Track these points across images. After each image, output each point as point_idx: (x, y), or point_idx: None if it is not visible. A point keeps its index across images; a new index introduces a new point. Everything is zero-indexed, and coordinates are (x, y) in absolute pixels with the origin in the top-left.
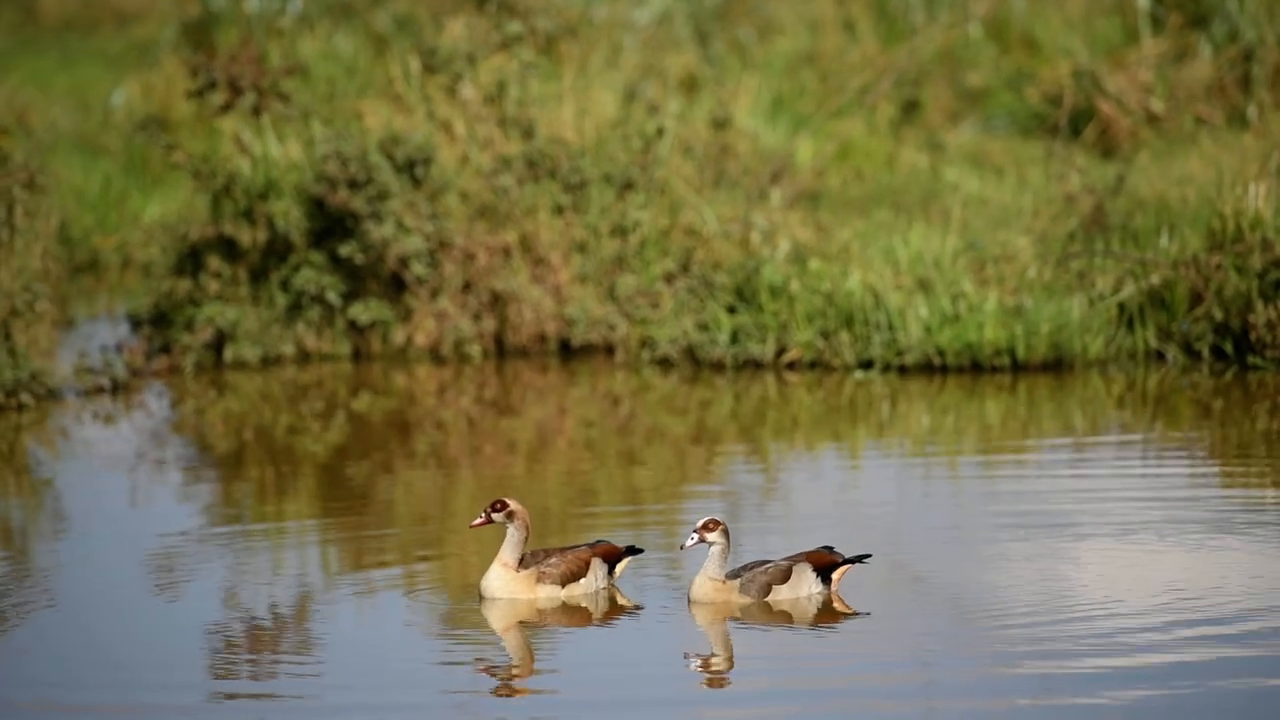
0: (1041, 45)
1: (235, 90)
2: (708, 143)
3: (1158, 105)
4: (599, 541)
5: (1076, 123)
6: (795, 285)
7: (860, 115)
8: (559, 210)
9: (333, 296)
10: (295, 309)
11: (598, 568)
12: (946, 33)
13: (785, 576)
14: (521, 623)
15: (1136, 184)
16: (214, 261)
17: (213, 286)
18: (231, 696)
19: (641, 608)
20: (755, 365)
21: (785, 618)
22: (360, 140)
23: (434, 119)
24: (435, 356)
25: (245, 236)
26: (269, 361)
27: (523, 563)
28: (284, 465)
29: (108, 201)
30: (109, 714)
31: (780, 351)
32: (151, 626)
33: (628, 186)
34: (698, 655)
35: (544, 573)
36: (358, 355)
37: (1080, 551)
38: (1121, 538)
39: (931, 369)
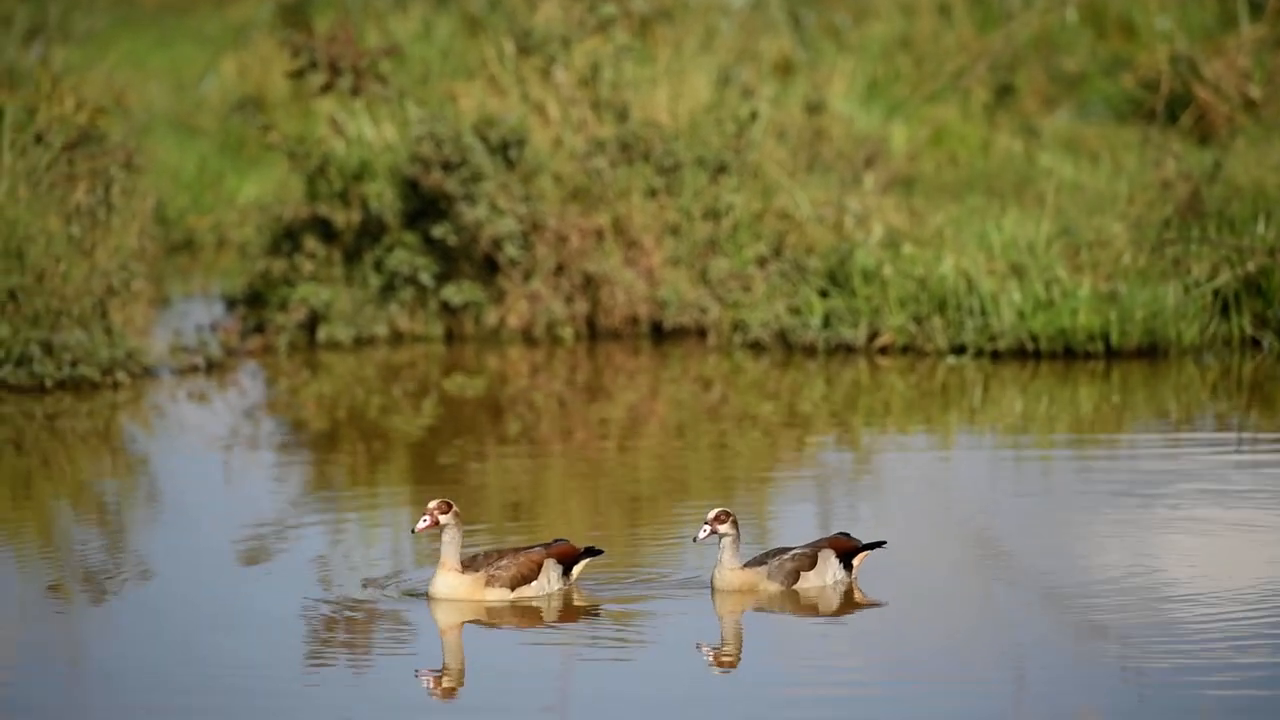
0: (1138, 30)
1: (335, 71)
2: (802, 127)
3: (1255, 91)
4: (557, 541)
5: (1173, 108)
6: (888, 270)
7: (955, 100)
8: (652, 193)
9: (426, 278)
10: (388, 290)
11: (550, 570)
12: (1042, 17)
13: (812, 563)
14: (467, 624)
15: (1233, 170)
16: (308, 242)
17: (307, 267)
18: (323, 675)
19: (598, 612)
20: (847, 349)
21: (854, 603)
22: (455, 122)
23: (528, 101)
24: (527, 338)
25: (340, 217)
26: (362, 342)
27: (475, 563)
28: (376, 446)
29: (203, 181)
30: (201, 693)
31: (872, 336)
32: (243, 606)
33: (721, 170)
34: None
35: (493, 575)
36: (450, 337)
37: (1173, 539)
38: (1215, 525)
39: (1024, 355)
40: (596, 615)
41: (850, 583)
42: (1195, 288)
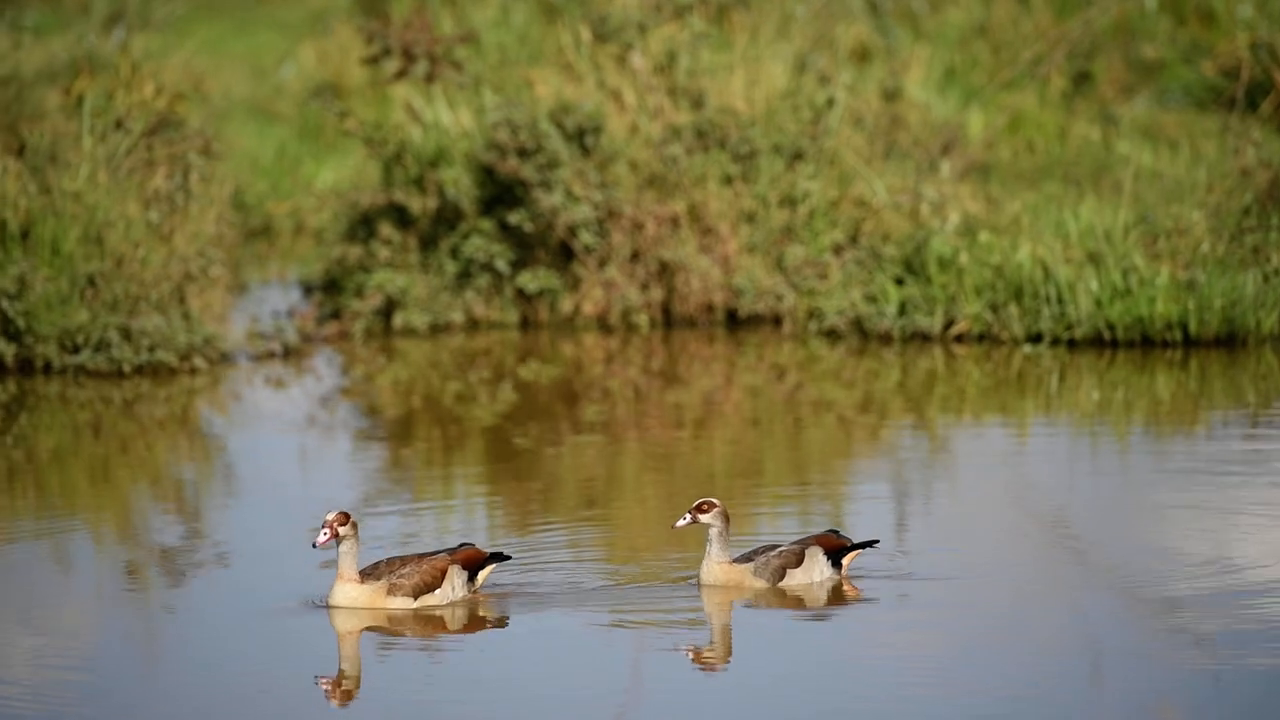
0: (1218, 17)
1: (409, 58)
2: (878, 114)
3: None
4: (463, 545)
5: (1253, 96)
6: (964, 258)
7: (1032, 87)
8: (728, 180)
9: (501, 264)
10: (464, 276)
11: (455, 576)
12: (1121, 4)
13: (799, 560)
14: (367, 630)
15: None
16: (385, 228)
17: (383, 253)
18: (394, 661)
19: (507, 621)
20: (923, 338)
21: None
22: (530, 108)
23: (604, 88)
24: (603, 325)
25: (416, 204)
26: (437, 329)
27: (377, 571)
28: (451, 432)
29: (281, 168)
30: (275, 678)
31: (948, 324)
32: (319, 590)
33: (797, 157)
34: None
35: (395, 584)
36: (525, 323)
37: (1252, 527)
38: None
39: (1101, 343)
40: (502, 624)
41: (840, 580)
42: (1274, 276)
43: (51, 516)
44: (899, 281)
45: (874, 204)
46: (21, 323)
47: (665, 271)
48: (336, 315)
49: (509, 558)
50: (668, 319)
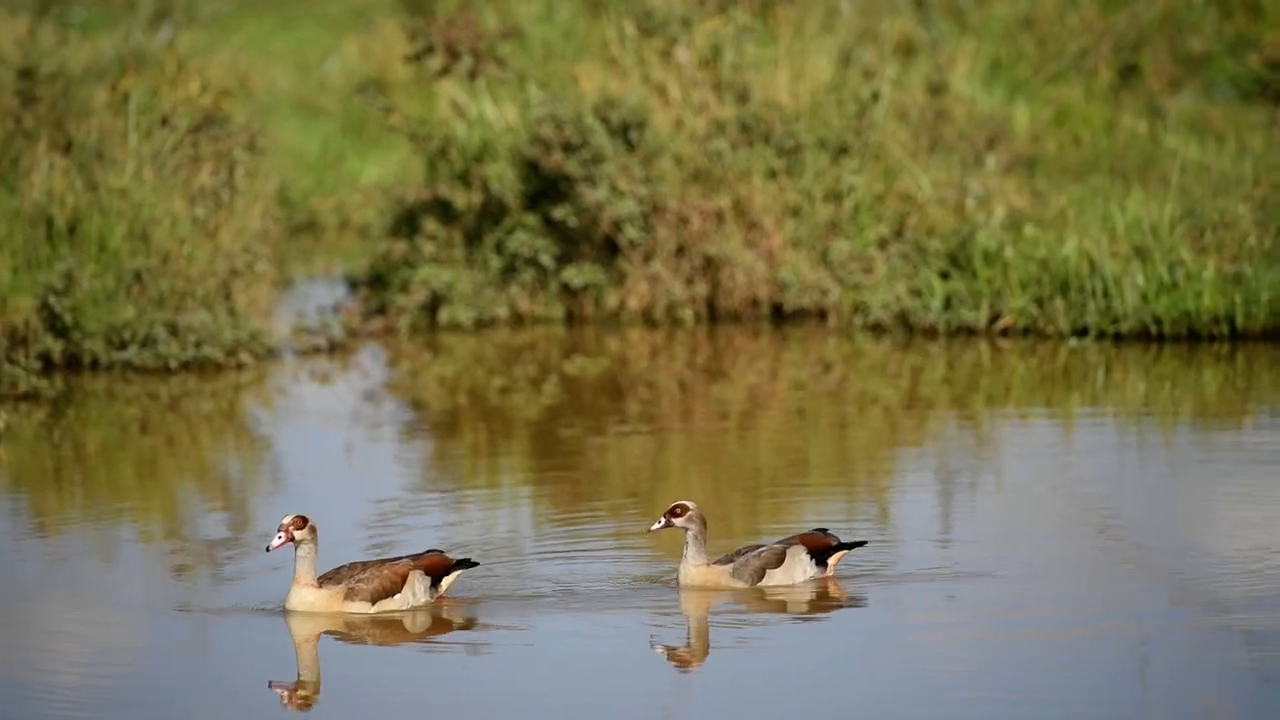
0: (1264, 10)
1: (452, 54)
2: (923, 107)
3: None
4: (429, 551)
5: None
6: (1010, 251)
7: (1078, 80)
8: (773, 175)
9: (546, 259)
10: (509, 271)
11: (417, 582)
12: None
13: (779, 560)
14: (325, 635)
15: None
16: (429, 223)
17: (428, 248)
18: (441, 652)
19: (473, 625)
20: (968, 332)
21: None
22: (575, 103)
23: (649, 82)
24: (648, 320)
25: (460, 199)
26: (483, 324)
27: (338, 575)
28: (496, 426)
29: (326, 163)
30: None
31: (994, 318)
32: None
33: (842, 151)
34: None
35: (354, 589)
36: (570, 318)
37: None
38: None
39: (1148, 337)
40: (467, 627)
41: (825, 579)
42: None
43: (99, 512)
44: (944, 275)
45: (919, 198)
46: (69, 319)
47: (710, 266)
48: (382, 310)
49: (476, 564)
50: (712, 313)
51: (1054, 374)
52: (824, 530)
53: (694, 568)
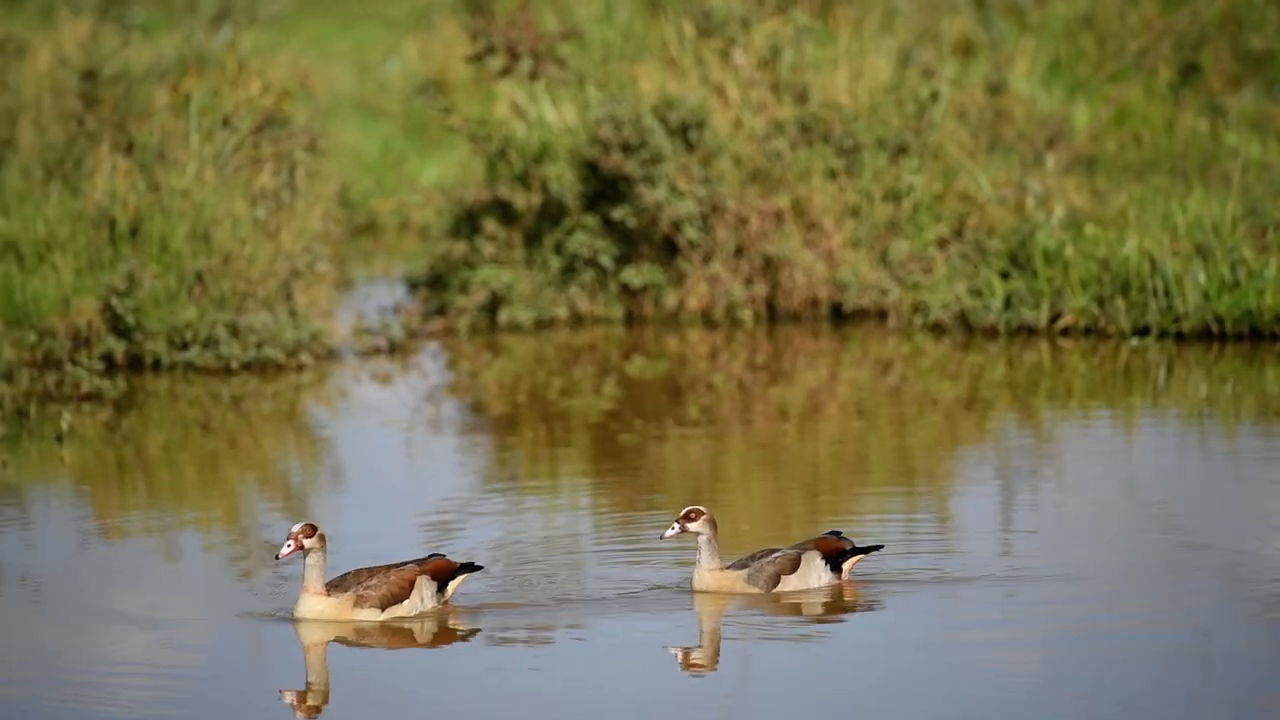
0: None
1: (512, 54)
2: (983, 107)
3: None
4: (433, 556)
5: None
6: (1070, 251)
7: (1138, 79)
8: (832, 175)
9: (605, 260)
10: (568, 272)
11: (424, 587)
12: None
13: (794, 566)
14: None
15: None
16: (489, 224)
17: (488, 249)
18: (502, 646)
19: (476, 633)
20: (1029, 331)
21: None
22: (634, 104)
23: (708, 83)
24: (707, 320)
25: (520, 200)
26: (542, 324)
27: (344, 583)
28: (556, 427)
29: (386, 164)
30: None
31: (1054, 317)
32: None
33: (901, 151)
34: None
35: (362, 596)
36: (630, 319)
37: None
38: None
39: (1209, 336)
40: (470, 636)
41: (840, 584)
42: None
43: (160, 512)
44: (1004, 275)
45: (979, 198)
46: (131, 320)
47: (769, 266)
48: (441, 311)
49: (480, 568)
50: (772, 314)
51: (1115, 373)
52: (839, 534)
53: (708, 572)
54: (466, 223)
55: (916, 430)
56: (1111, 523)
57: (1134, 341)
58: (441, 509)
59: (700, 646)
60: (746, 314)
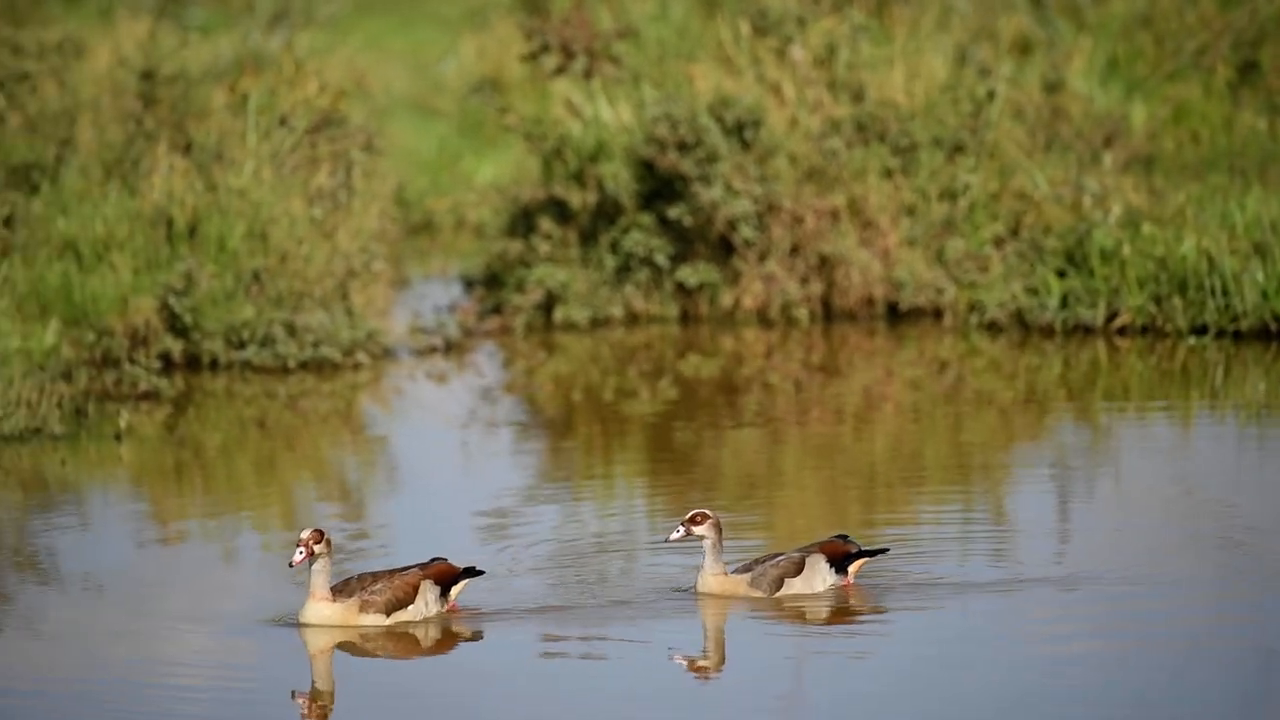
0: None
1: (568, 53)
2: (1040, 105)
3: None
4: (434, 560)
5: None
6: (1127, 249)
7: (1196, 77)
8: (888, 173)
9: (661, 259)
10: (624, 271)
11: (428, 592)
12: None
13: (798, 569)
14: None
15: None
16: (545, 223)
17: (543, 248)
18: (561, 641)
19: (481, 636)
20: (1085, 330)
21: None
22: (690, 103)
23: (764, 81)
24: (762, 319)
25: (575, 198)
26: (598, 323)
27: (348, 588)
28: (611, 426)
29: (442, 163)
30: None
31: (1111, 316)
32: (480, 581)
33: (958, 150)
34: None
35: (367, 601)
36: (685, 317)
37: None
38: None
39: (1267, 335)
40: (476, 639)
41: (846, 586)
42: None
43: (218, 511)
44: (1061, 274)
45: (1035, 196)
46: (189, 319)
47: (825, 265)
48: (497, 310)
49: (482, 572)
50: (827, 312)
51: (1172, 372)
52: (844, 537)
53: (712, 576)
54: (522, 221)
55: (972, 429)
56: (1169, 522)
57: (1191, 340)
58: (497, 508)
59: (705, 652)
60: (802, 313)
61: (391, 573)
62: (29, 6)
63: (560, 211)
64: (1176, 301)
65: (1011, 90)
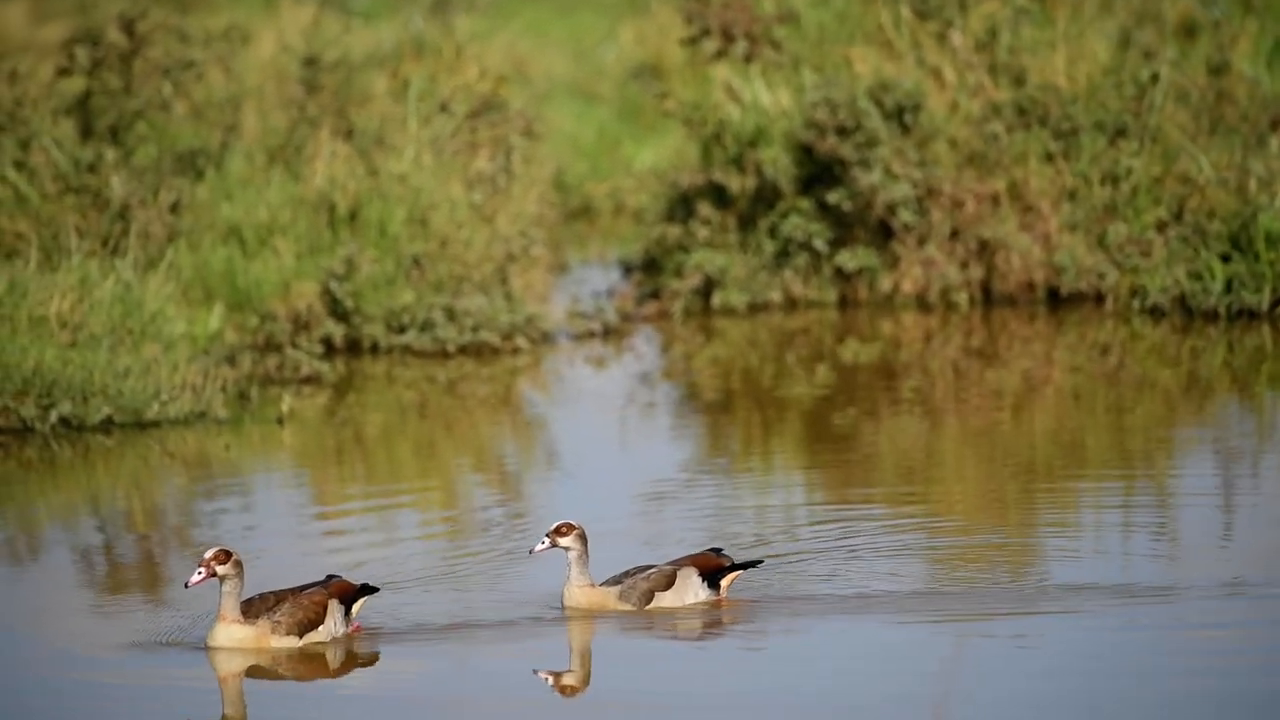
0: None
1: (728, 38)
2: (1204, 89)
3: None
4: (331, 578)
5: None
6: None
7: None
8: (1049, 157)
9: (820, 243)
10: (783, 256)
11: (335, 611)
12: None
13: (669, 582)
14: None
15: None
16: (703, 208)
17: (702, 233)
18: (712, 634)
19: (378, 657)
20: (1250, 315)
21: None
22: (849, 87)
23: (924, 65)
24: (922, 304)
25: (734, 183)
26: (756, 308)
27: (253, 608)
28: (770, 411)
29: (601, 148)
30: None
31: (1277, 301)
32: (632, 563)
33: (1120, 134)
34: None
35: (277, 623)
36: (844, 302)
37: None
38: None
39: None
40: (371, 660)
41: (718, 600)
42: None
43: (379, 494)
44: (1225, 258)
45: (1199, 180)
46: (350, 304)
47: (985, 249)
48: (656, 295)
49: (378, 590)
50: (987, 297)
51: None
52: (718, 550)
53: (578, 589)
54: (681, 206)
55: (1134, 415)
56: None
57: None
58: (656, 492)
59: (571, 669)
60: (962, 297)
61: (293, 593)
62: None
63: (719, 196)
64: None
65: (1175, 73)
